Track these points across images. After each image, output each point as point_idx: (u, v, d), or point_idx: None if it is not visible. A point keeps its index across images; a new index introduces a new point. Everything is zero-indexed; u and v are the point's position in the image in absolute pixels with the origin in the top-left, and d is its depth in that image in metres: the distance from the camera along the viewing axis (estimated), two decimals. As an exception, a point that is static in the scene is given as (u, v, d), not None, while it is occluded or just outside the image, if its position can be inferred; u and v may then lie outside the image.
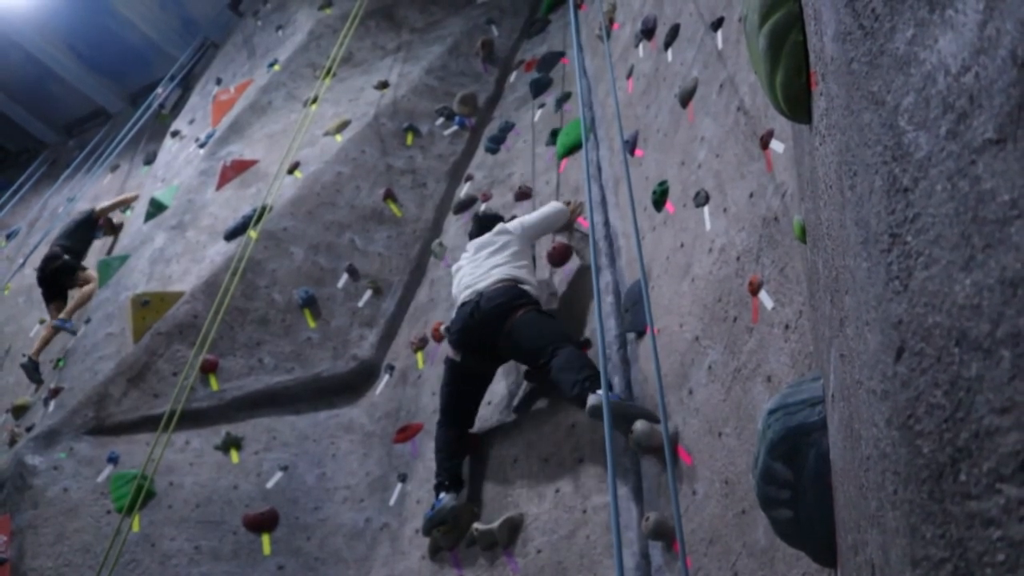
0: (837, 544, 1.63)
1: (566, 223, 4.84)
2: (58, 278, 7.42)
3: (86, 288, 7.19)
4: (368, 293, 5.79)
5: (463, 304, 4.29)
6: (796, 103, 1.70)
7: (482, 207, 5.84)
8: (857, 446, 1.06)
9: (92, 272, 7.30)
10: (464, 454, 4.21)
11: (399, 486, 4.57)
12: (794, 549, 2.24)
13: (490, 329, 4.12)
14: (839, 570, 1.71)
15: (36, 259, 8.00)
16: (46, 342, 7.06)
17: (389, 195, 6.34)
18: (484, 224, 4.82)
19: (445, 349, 5.03)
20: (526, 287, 4.28)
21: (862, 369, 0.93)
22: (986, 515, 0.61)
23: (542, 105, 6.45)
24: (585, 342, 4.16)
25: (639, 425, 3.34)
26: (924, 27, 0.78)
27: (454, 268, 4.74)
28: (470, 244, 4.74)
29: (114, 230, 8.13)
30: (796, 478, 1.84)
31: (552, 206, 4.83)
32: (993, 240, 0.63)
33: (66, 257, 7.44)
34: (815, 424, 1.79)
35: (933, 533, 0.68)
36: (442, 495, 4.00)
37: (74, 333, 6.57)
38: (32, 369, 6.80)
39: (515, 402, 4.34)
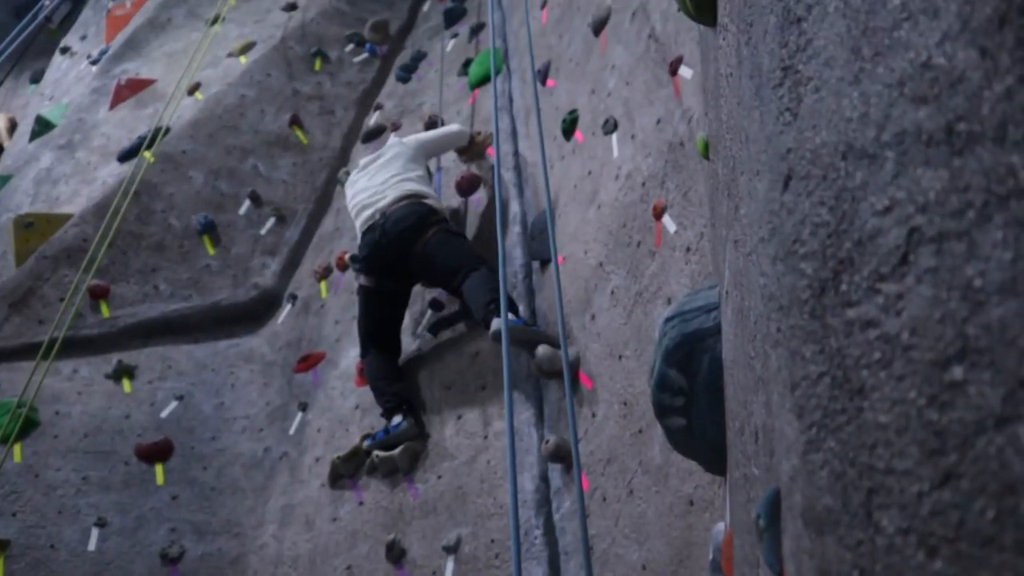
0: (727, 444, 1.66)
1: (469, 147, 4.76)
2: None
3: None
4: (271, 221, 5.61)
5: (367, 229, 4.13)
6: (703, 3, 1.68)
7: (391, 136, 5.70)
8: (746, 323, 1.06)
9: None
10: (403, 378, 4.02)
11: (299, 415, 4.49)
12: (688, 462, 2.28)
13: (400, 251, 3.99)
14: (728, 473, 1.74)
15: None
16: None
17: (295, 121, 6.12)
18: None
19: (349, 278, 4.93)
20: (429, 201, 4.16)
21: (753, 228, 0.91)
22: (865, 317, 0.60)
23: (455, 35, 6.30)
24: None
25: (541, 350, 3.36)
26: None
27: (346, 185, 4.56)
28: (360, 160, 4.62)
29: None
30: (690, 384, 1.85)
31: (451, 126, 4.77)
32: (882, 47, 0.61)
33: None
34: (710, 330, 1.80)
35: (812, 351, 0.67)
36: (396, 418, 3.81)
37: None
38: None
39: (418, 330, 4.29)
